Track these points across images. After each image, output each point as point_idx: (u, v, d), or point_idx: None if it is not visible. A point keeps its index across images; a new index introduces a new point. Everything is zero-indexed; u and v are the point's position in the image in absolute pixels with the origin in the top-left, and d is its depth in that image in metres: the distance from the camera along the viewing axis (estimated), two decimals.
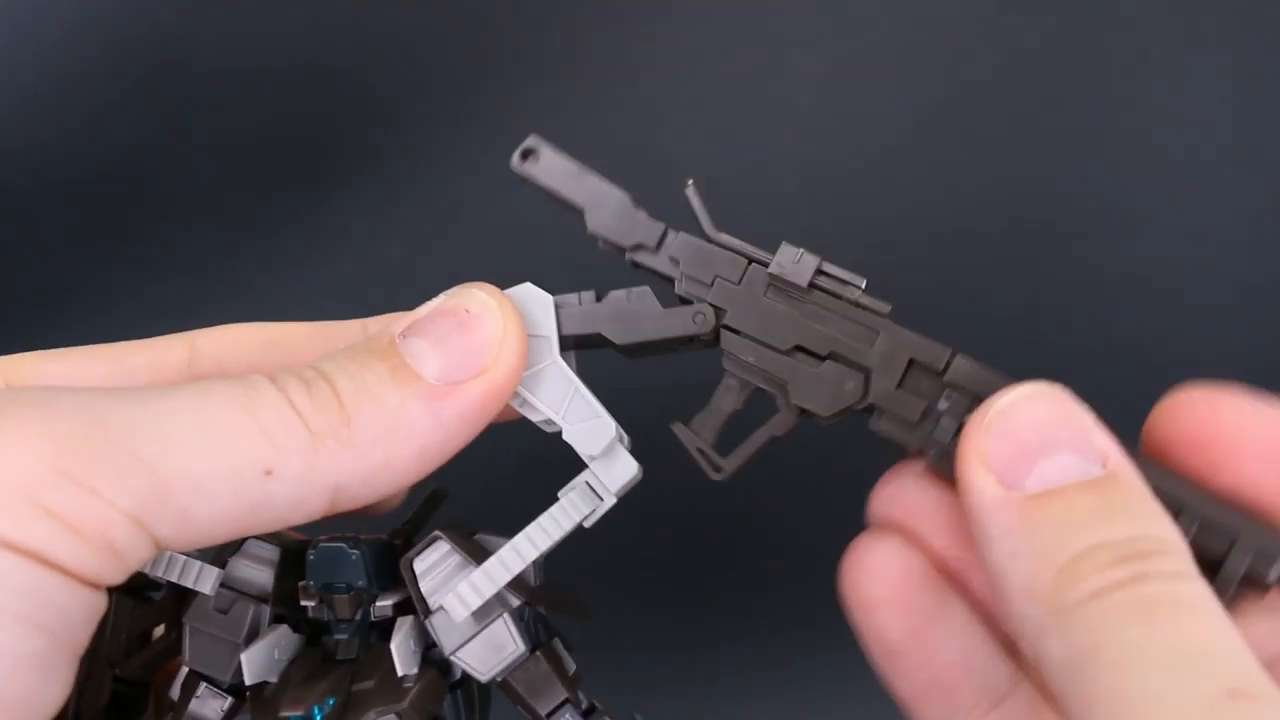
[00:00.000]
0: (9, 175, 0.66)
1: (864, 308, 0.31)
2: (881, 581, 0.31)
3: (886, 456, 0.32)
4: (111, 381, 0.32)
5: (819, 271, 0.31)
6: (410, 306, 0.34)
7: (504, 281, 0.31)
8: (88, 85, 0.65)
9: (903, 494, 0.32)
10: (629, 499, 0.32)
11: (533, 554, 0.30)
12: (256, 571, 0.32)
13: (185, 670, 0.33)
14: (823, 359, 0.31)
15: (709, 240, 0.32)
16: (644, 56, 0.67)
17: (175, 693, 0.33)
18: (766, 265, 0.31)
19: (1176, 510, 0.28)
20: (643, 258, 0.32)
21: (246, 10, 0.65)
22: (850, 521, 0.33)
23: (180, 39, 0.65)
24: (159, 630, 0.35)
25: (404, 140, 0.67)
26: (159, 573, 0.30)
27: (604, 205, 0.32)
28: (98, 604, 0.25)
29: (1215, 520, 0.28)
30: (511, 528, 0.33)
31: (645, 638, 0.63)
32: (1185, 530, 0.28)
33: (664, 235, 0.32)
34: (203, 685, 0.32)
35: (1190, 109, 0.65)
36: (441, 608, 0.31)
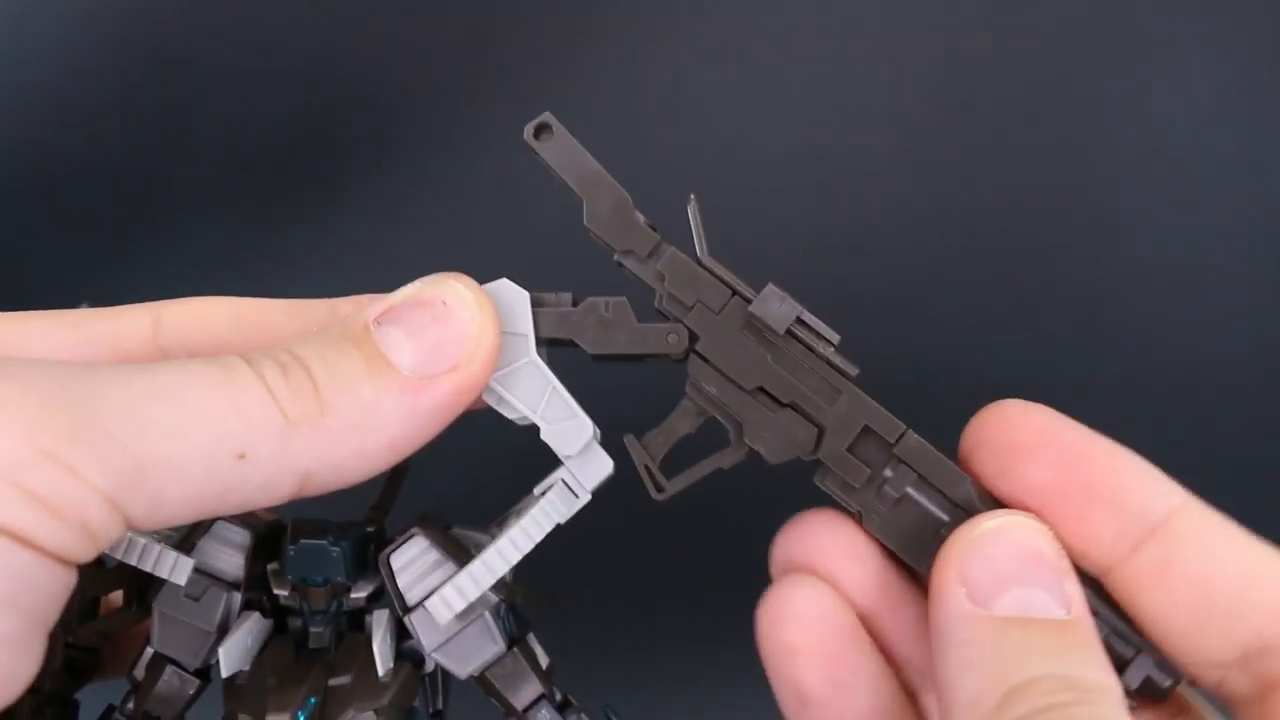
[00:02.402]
0: (9, 175, 0.66)
1: (834, 366, 0.31)
2: (808, 629, 0.32)
3: None
4: (73, 349, 0.32)
5: (797, 320, 0.31)
6: None
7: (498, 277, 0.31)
8: (88, 85, 0.66)
9: (818, 537, 0.32)
10: (603, 490, 0.32)
11: (516, 556, 0.30)
12: (228, 557, 0.32)
13: (150, 651, 0.33)
14: (782, 406, 0.31)
15: (699, 263, 0.31)
16: (645, 57, 0.67)
17: (139, 672, 0.34)
18: (749, 301, 0.31)
19: (1095, 611, 0.30)
20: (630, 263, 0.32)
21: (248, 10, 0.66)
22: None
23: (182, 38, 0.66)
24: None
25: (405, 140, 0.67)
26: (133, 560, 0.30)
27: (603, 201, 0.31)
28: (70, 580, 0.26)
29: (1126, 633, 0.31)
30: (478, 508, 0.33)
31: (621, 631, 0.62)
32: (1100, 628, 0.30)
33: (657, 247, 0.32)
34: (169, 668, 0.33)
35: (1190, 110, 0.65)
36: (422, 605, 0.31)
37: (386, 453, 0.28)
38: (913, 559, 0.31)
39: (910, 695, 0.33)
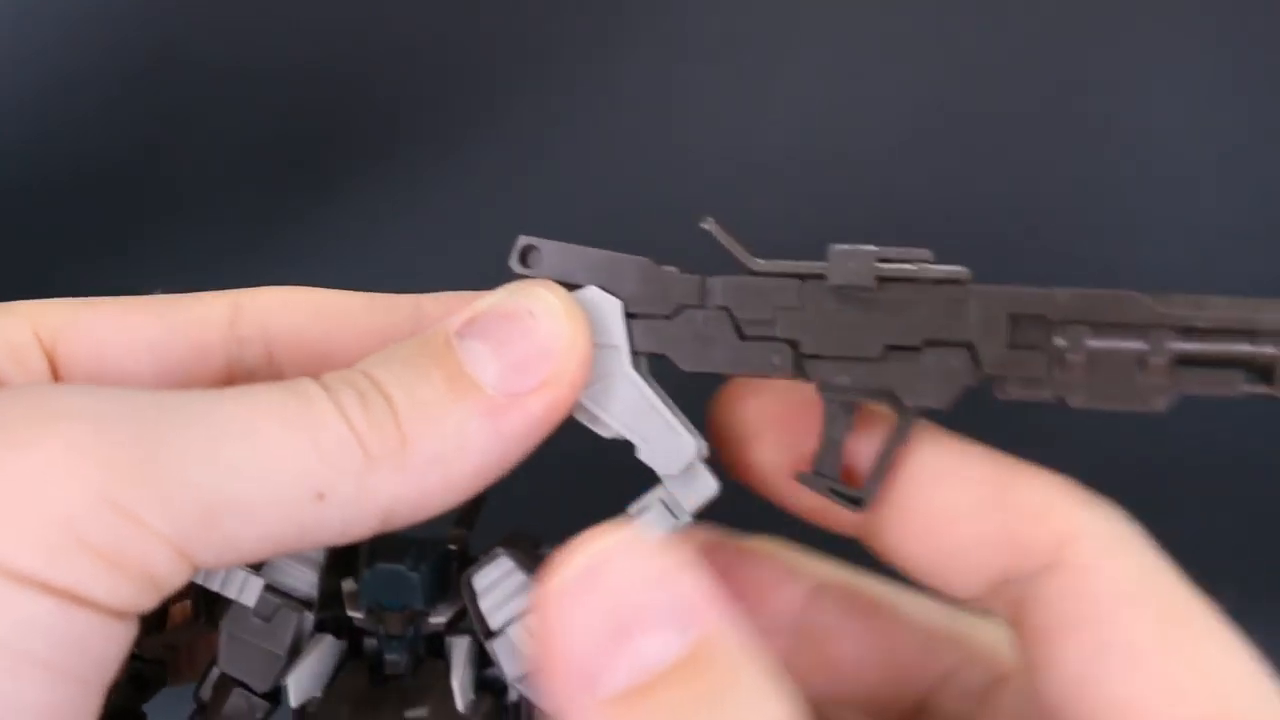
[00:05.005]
0: (9, 175, 0.65)
1: (942, 281, 0.28)
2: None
3: None
4: (152, 336, 0.30)
5: (880, 261, 0.28)
6: None
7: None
8: (88, 85, 0.65)
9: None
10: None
11: None
12: (301, 573, 0.31)
13: (217, 671, 0.32)
14: (919, 350, 0.29)
15: (751, 273, 0.29)
16: (645, 56, 0.66)
17: (206, 693, 0.32)
18: (822, 278, 0.29)
19: (1186, 329, 0.27)
20: (688, 316, 0.29)
21: (248, 9, 0.65)
22: None
23: (181, 38, 0.65)
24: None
25: (408, 139, 0.67)
26: (198, 579, 0.29)
27: (629, 279, 0.29)
28: (130, 633, 0.24)
29: (1223, 320, 0.28)
30: (560, 516, 0.32)
31: None
32: (1201, 348, 0.27)
33: (704, 285, 0.29)
34: (236, 689, 0.31)
35: (1189, 109, 0.66)
36: (505, 632, 0.30)
37: (472, 481, 0.27)
38: (1141, 403, 0.28)
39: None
